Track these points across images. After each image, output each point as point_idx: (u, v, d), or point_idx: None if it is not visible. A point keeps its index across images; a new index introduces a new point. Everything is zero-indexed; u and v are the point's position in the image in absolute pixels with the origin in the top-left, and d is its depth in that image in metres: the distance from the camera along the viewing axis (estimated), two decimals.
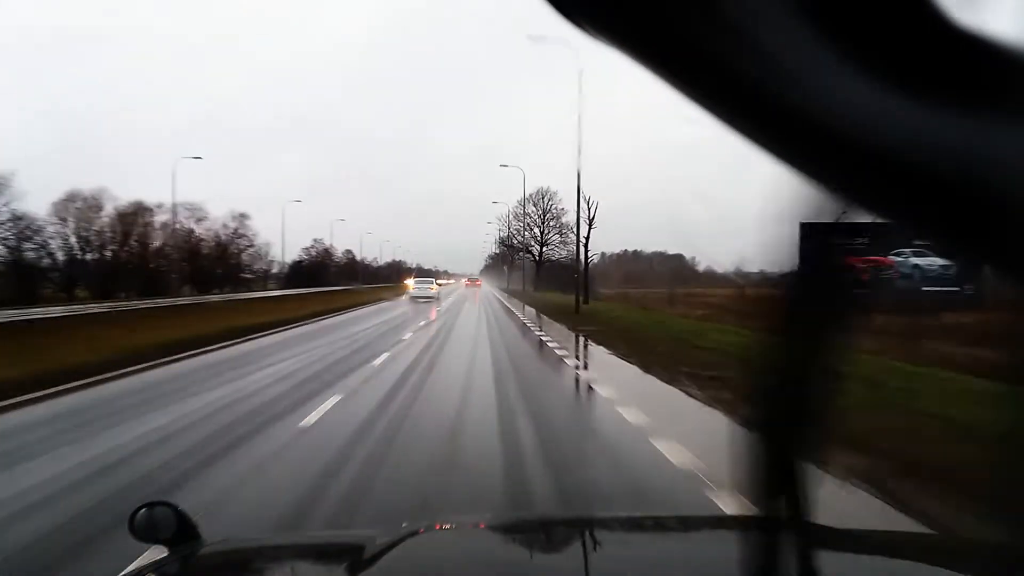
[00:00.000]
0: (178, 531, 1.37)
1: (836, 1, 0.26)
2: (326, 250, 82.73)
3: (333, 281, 70.97)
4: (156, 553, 1.48)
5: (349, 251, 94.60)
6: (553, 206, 60.54)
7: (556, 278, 53.79)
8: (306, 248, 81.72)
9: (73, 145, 78.45)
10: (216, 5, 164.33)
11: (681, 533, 1.58)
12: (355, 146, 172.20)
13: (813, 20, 0.26)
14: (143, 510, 1.37)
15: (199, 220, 60.01)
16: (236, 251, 63.63)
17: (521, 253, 61.44)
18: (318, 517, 3.88)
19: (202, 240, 59.92)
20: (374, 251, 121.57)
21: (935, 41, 0.25)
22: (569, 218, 56.87)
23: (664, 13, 0.27)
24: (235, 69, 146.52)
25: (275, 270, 72.13)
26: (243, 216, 63.84)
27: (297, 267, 76.82)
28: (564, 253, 59.66)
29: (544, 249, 60.41)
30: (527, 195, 58.29)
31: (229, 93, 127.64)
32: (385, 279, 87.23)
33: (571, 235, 56.34)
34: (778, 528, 1.67)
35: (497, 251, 78.19)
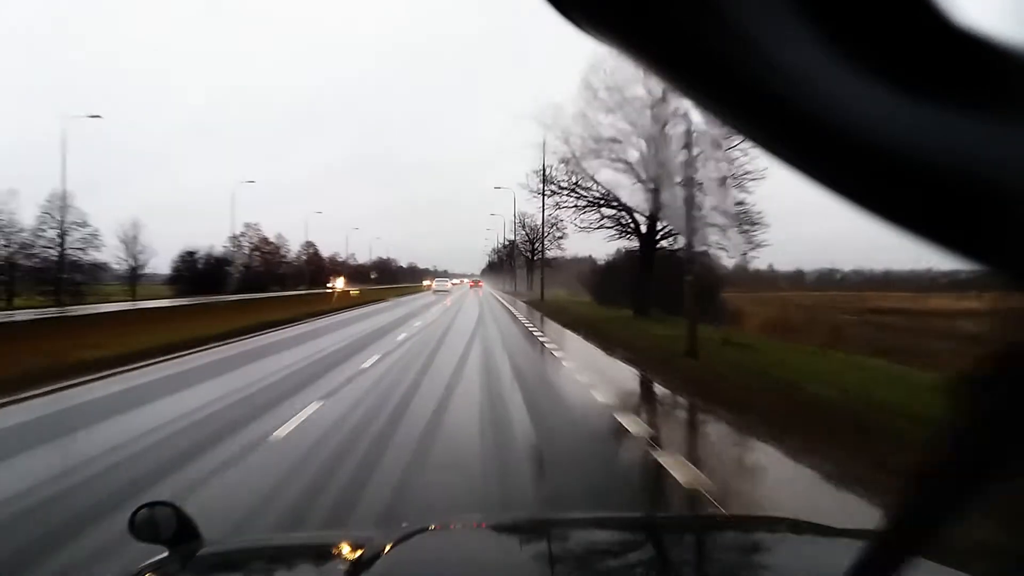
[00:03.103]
0: (178, 531, 1.37)
1: (837, 1, 0.26)
2: (265, 240, 58.89)
3: (266, 285, 50.33)
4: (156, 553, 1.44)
5: (311, 244, 70.31)
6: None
7: (667, 292, 20.84)
8: (234, 236, 54.56)
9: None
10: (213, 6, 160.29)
11: (681, 533, 1.58)
12: (353, 146, 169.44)
13: (814, 20, 0.26)
14: (143, 510, 1.36)
15: None
16: None
17: (596, 213, 24.49)
18: None
19: None
20: (363, 248, 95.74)
21: (935, 41, 0.26)
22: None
23: (664, 13, 0.27)
24: (234, 67, 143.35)
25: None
26: None
27: (186, 266, 48.34)
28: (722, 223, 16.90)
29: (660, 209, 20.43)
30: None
31: (227, 90, 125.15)
32: (353, 281, 60.93)
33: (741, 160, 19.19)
34: (778, 528, 1.68)
35: (516, 236, 55.09)
